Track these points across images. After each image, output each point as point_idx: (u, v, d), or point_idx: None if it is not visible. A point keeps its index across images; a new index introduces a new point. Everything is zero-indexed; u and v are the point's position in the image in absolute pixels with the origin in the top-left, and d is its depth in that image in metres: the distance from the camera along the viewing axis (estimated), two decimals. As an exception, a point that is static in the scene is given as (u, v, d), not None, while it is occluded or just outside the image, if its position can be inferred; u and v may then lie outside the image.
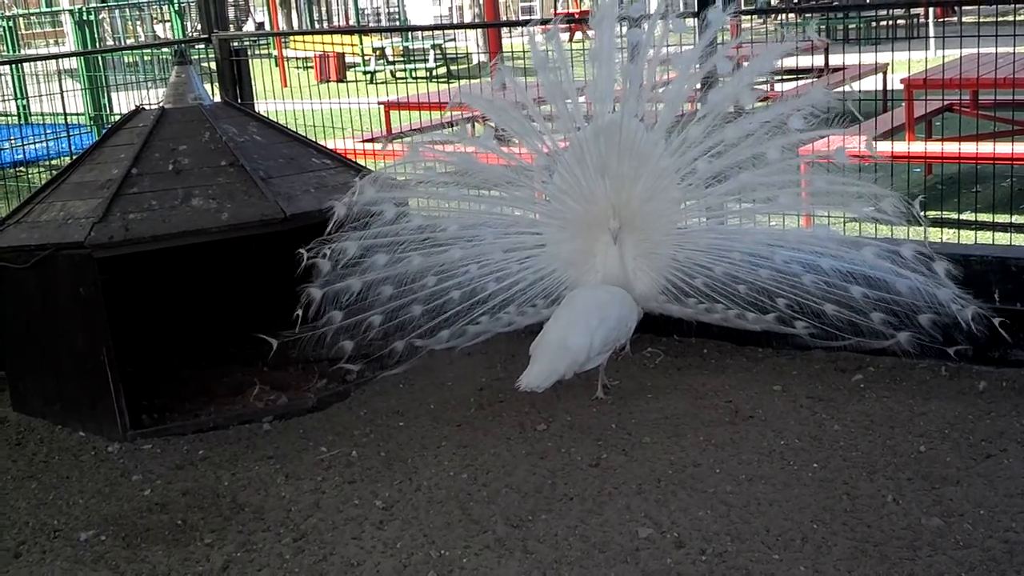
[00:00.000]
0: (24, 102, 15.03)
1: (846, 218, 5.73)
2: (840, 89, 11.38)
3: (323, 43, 23.51)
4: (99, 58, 15.16)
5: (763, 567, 3.81)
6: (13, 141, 12.07)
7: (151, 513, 4.59)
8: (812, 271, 5.15)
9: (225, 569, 4.12)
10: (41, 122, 13.37)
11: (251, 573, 4.08)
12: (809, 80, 11.52)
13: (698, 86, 5.63)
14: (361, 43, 24.47)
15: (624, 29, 5.50)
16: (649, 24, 5.40)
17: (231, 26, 8.38)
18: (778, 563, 3.83)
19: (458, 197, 5.70)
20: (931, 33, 18.58)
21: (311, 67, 24.23)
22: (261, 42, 28.51)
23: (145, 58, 16.08)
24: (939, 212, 8.64)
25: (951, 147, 8.07)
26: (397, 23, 35.49)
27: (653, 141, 5.35)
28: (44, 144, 11.73)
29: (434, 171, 5.77)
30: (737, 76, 5.37)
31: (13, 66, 14.89)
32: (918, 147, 8.76)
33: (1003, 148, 7.47)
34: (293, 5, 33.95)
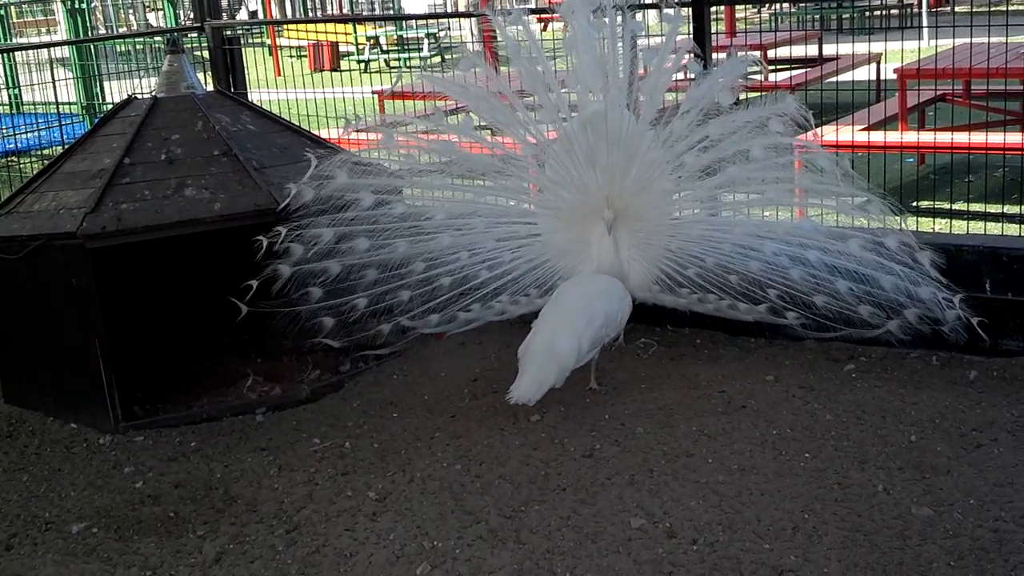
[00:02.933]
0: (16, 91, 15.00)
1: (825, 211, 5.75)
2: (833, 79, 11.42)
3: (317, 32, 23.42)
4: (91, 47, 15.12)
5: (754, 556, 3.82)
6: (5, 131, 12.04)
7: (143, 505, 4.60)
8: (800, 264, 5.16)
9: (218, 561, 4.12)
10: (33, 111, 13.35)
11: (244, 565, 4.08)
12: (803, 71, 11.54)
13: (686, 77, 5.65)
14: (355, 32, 24.40)
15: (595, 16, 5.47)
16: (610, 14, 5.38)
17: (224, 14, 8.36)
18: (769, 552, 3.84)
19: (441, 186, 5.66)
20: (924, 23, 18.59)
21: (305, 56, 24.17)
22: (254, 31, 28.45)
23: (137, 47, 16.05)
24: (931, 202, 8.65)
25: (944, 137, 8.09)
26: (391, 12, 35.40)
27: (641, 132, 5.34)
28: (36, 134, 11.71)
29: (414, 159, 5.71)
30: (712, 76, 5.40)
31: (5, 55, 14.85)
32: (911, 137, 8.77)
33: (995, 138, 7.47)
34: (286, -7, 33.88)
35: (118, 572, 4.10)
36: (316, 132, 6.90)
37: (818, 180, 5.23)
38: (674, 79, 5.57)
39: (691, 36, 6.18)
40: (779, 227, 5.39)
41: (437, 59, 23.46)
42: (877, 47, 12.66)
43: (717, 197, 5.53)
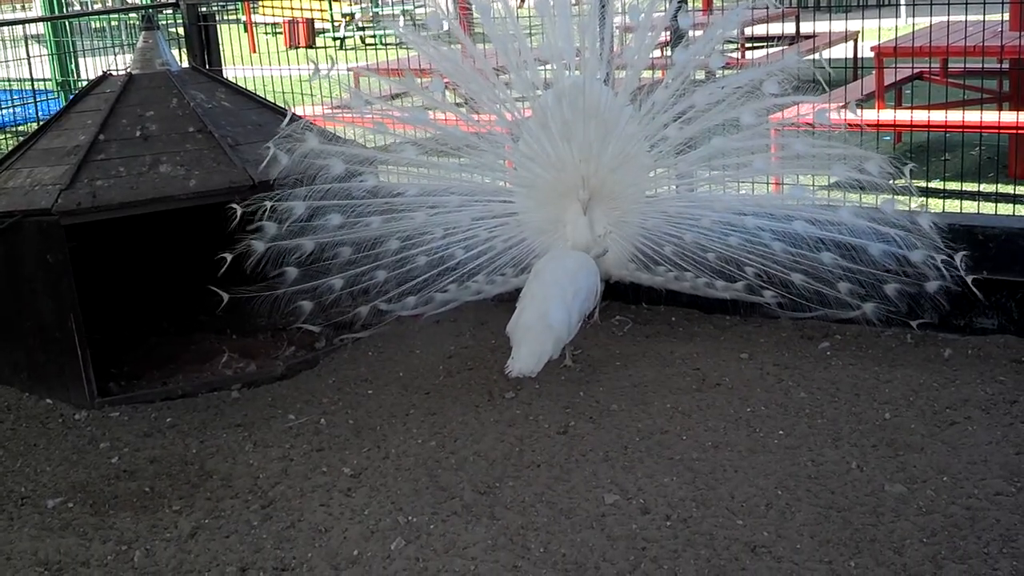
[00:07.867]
0: (-10, 68, 14.87)
1: (815, 185, 5.74)
2: (811, 57, 11.42)
3: (292, 9, 23.29)
4: (66, 23, 15.00)
5: (727, 532, 3.84)
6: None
7: (119, 480, 4.59)
8: (782, 239, 5.15)
9: (193, 536, 4.12)
10: (8, 88, 13.25)
11: (219, 540, 4.08)
12: (780, 48, 11.52)
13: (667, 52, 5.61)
14: (331, 8, 24.29)
15: None
16: None
17: (199, -9, 8.29)
18: (742, 528, 3.86)
19: (414, 161, 5.60)
20: (901, 1, 18.59)
21: (280, 33, 24.05)
22: (229, 7, 28.24)
23: (112, 23, 15.93)
24: (907, 180, 8.66)
25: (920, 115, 8.10)
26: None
27: (619, 105, 5.29)
28: (11, 110, 11.62)
29: (386, 130, 5.66)
30: (703, 37, 5.34)
31: (-21, 31, 14.71)
32: (888, 115, 8.77)
33: (972, 116, 7.48)
34: (263, -30, 33.64)
35: (94, 546, 4.10)
36: (291, 109, 6.88)
37: (813, 144, 5.17)
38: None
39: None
40: (765, 199, 5.36)
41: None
42: (854, 25, 12.66)
43: (696, 172, 5.49)
